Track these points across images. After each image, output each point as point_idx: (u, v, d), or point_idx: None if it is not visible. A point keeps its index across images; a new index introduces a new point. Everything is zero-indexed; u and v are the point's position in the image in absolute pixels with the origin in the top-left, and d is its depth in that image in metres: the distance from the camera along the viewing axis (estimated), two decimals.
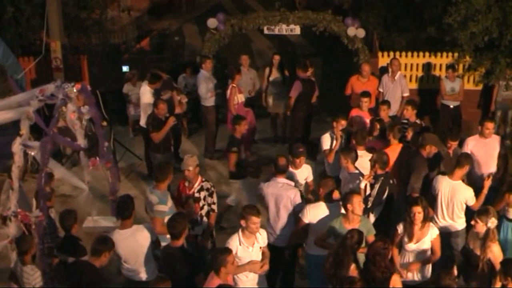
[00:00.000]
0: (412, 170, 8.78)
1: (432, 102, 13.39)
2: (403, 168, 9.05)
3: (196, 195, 8.32)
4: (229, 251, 6.63)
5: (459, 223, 8.38)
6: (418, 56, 13.89)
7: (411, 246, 7.37)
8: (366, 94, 11.17)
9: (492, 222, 7.13)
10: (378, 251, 6.59)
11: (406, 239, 7.40)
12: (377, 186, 8.32)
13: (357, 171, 8.65)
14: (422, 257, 7.43)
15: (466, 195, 8.27)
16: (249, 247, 7.09)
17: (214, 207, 8.44)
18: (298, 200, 8.02)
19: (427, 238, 7.37)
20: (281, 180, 8.23)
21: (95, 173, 9.28)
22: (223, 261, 6.45)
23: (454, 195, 8.25)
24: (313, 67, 12.58)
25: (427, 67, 13.89)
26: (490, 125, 9.49)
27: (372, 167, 8.51)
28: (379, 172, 8.44)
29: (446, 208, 8.31)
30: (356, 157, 8.73)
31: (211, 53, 13.75)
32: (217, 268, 6.48)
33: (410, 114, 10.54)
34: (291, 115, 12.46)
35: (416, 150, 9.10)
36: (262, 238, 7.22)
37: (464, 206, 8.32)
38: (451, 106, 12.80)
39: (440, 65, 13.76)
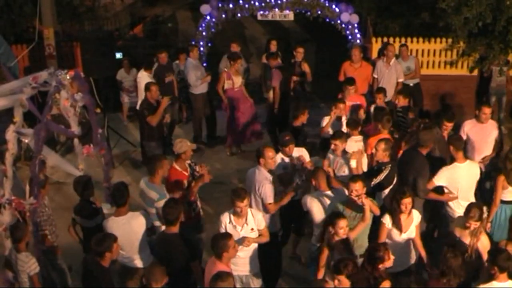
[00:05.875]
0: (417, 173, 8.26)
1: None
2: (404, 168, 8.58)
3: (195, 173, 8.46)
4: (229, 235, 6.67)
5: None
6: (412, 41, 13.86)
7: (403, 236, 7.31)
8: (350, 81, 11.05)
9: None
10: (377, 256, 6.50)
11: (396, 231, 7.31)
12: (386, 172, 8.19)
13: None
14: (409, 245, 7.42)
15: (478, 172, 8.31)
16: (237, 227, 7.16)
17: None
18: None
19: (413, 225, 7.37)
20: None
21: (89, 160, 9.27)
22: (225, 246, 6.48)
23: (472, 176, 8.22)
24: (299, 52, 12.53)
25: (421, 52, 13.85)
26: (487, 110, 9.31)
27: (381, 155, 8.34)
28: (386, 159, 8.32)
29: (468, 192, 8.19)
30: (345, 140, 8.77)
31: (204, 40, 13.69)
32: (219, 253, 6.50)
33: (402, 103, 10.49)
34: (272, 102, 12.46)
35: (416, 150, 8.52)
36: (255, 220, 7.24)
37: None
38: (411, 85, 12.86)
39: (434, 51, 13.76)
